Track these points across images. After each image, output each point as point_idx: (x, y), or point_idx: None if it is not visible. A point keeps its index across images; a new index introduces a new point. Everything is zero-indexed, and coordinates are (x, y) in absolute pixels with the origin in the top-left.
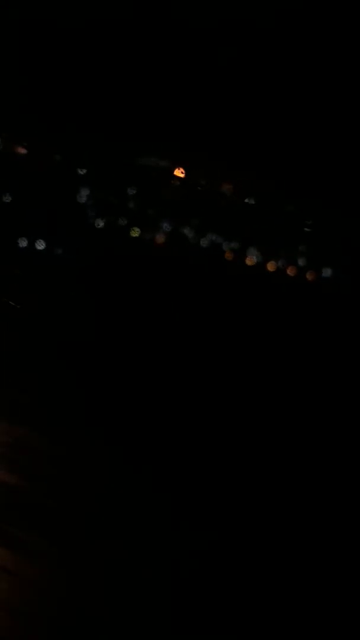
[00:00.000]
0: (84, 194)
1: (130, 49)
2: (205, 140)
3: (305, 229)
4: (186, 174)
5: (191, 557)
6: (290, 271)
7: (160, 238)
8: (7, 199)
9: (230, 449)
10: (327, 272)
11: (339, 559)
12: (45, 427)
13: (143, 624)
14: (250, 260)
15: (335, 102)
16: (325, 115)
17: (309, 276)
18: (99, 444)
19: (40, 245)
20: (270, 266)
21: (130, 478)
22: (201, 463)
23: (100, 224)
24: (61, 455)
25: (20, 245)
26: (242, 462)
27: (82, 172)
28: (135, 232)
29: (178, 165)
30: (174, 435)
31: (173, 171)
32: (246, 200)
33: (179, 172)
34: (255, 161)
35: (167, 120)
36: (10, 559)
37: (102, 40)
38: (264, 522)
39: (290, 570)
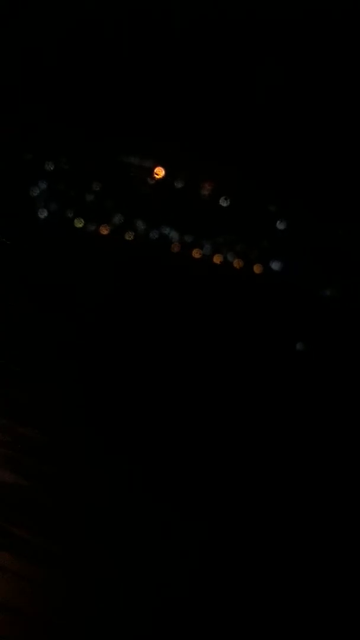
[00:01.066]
0: (41, 187)
1: (114, 47)
2: (191, 140)
3: (278, 225)
4: (166, 172)
5: (192, 556)
6: (237, 264)
7: (104, 229)
8: None
9: (228, 448)
10: (277, 265)
11: (340, 559)
12: (46, 426)
13: (143, 623)
14: (197, 252)
15: (324, 105)
16: (313, 117)
17: (256, 269)
18: (100, 443)
19: None
20: (216, 258)
21: (132, 477)
22: (203, 462)
23: (44, 213)
24: (62, 454)
25: None
26: (241, 461)
27: (50, 167)
28: (79, 223)
29: (159, 164)
30: (175, 434)
31: (153, 169)
32: (222, 198)
33: (158, 171)
34: (239, 161)
35: (152, 118)
36: (9, 558)
37: (85, 36)
38: (264, 522)
39: (290, 573)
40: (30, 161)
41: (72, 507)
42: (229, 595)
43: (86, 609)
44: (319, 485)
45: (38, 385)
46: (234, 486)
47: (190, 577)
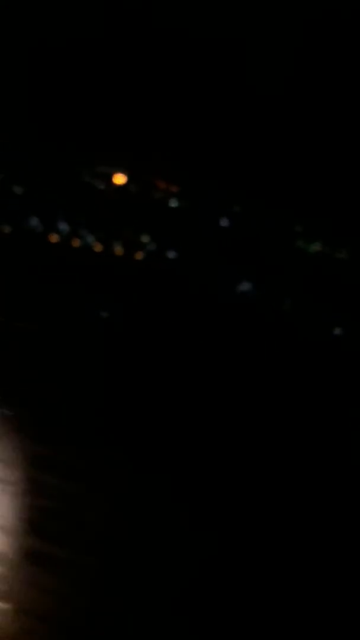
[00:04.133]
0: None
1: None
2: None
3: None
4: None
5: (211, 567)
6: (118, 252)
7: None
8: None
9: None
10: (172, 254)
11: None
12: (66, 443)
13: (166, 632)
14: (76, 242)
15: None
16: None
17: (137, 256)
18: (119, 456)
19: None
20: (97, 247)
21: (150, 488)
22: (219, 472)
23: None
24: (82, 469)
25: None
26: (254, 470)
27: None
28: None
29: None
30: (191, 443)
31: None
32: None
33: (118, 178)
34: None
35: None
36: (37, 571)
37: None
38: (273, 526)
39: (299, 577)
40: None
41: (93, 519)
42: (239, 607)
43: (108, 617)
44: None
45: (55, 400)
46: (246, 497)
47: (202, 588)
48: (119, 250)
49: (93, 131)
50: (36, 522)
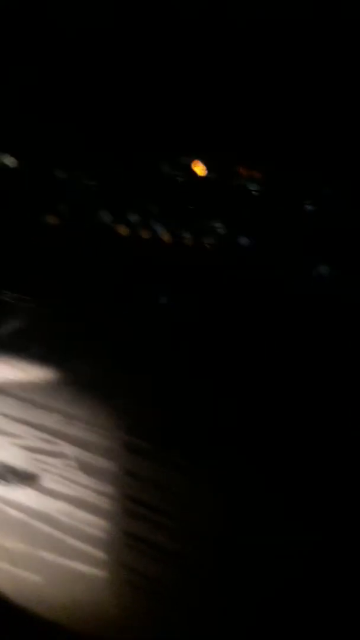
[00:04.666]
0: None
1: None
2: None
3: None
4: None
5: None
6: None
7: None
8: None
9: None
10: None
11: None
12: (169, 436)
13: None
14: (145, 233)
15: None
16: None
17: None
18: (223, 451)
19: None
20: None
21: (255, 483)
22: (323, 467)
23: None
24: (185, 463)
25: None
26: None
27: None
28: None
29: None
30: (286, 435)
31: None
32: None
33: (198, 168)
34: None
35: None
36: (135, 555)
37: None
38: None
39: None
40: None
41: (193, 510)
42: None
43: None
44: None
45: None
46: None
47: (302, 585)
48: (189, 239)
49: (174, 121)
50: (136, 511)
